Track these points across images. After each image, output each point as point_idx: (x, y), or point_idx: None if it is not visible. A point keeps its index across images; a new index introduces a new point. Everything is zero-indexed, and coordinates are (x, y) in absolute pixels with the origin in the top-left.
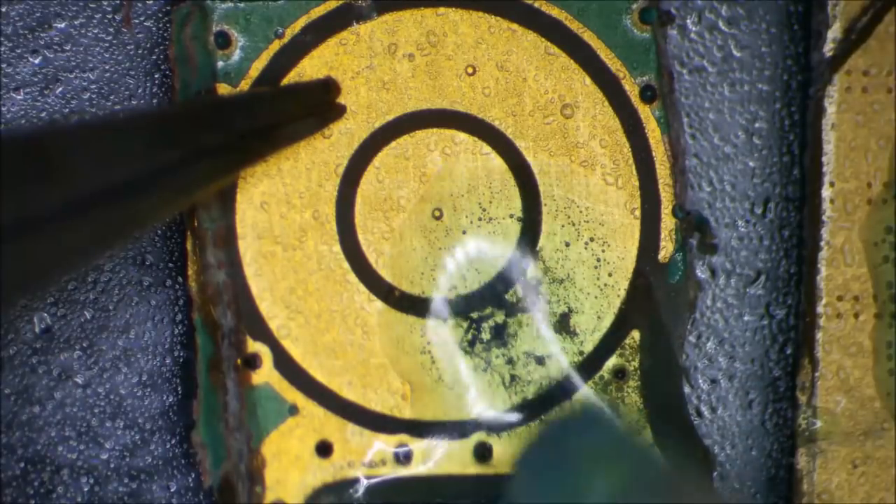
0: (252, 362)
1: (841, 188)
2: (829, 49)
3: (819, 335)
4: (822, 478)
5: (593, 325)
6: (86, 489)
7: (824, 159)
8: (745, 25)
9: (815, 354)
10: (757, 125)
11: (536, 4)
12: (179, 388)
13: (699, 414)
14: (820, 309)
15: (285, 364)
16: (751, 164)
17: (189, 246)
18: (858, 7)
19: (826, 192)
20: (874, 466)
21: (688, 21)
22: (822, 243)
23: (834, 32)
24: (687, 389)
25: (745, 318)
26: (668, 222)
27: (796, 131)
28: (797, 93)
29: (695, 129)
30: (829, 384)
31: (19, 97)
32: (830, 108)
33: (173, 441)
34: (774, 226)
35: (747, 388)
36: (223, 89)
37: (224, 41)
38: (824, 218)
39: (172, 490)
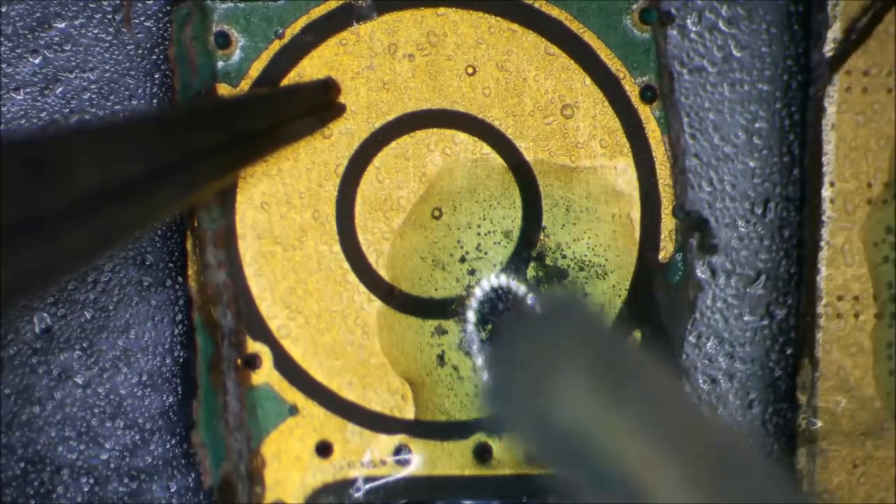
0: (252, 362)
1: (841, 188)
2: (829, 49)
3: (819, 335)
4: (822, 478)
5: None
6: (86, 489)
7: (824, 159)
8: (745, 25)
9: (815, 354)
10: (757, 125)
11: (536, 4)
12: (179, 388)
13: None
14: (820, 309)
15: (285, 364)
16: (751, 164)
17: (189, 246)
18: (858, 7)
19: (826, 192)
20: (874, 466)
21: (688, 21)
22: (822, 243)
23: (834, 32)
24: (687, 389)
25: (746, 318)
26: (668, 222)
27: (796, 131)
28: (797, 93)
29: (695, 129)
30: (829, 384)
31: (19, 97)
32: (830, 108)
33: (173, 441)
34: (774, 226)
35: (747, 388)
36: (223, 89)
37: (224, 41)
38: (824, 218)
39: (172, 490)
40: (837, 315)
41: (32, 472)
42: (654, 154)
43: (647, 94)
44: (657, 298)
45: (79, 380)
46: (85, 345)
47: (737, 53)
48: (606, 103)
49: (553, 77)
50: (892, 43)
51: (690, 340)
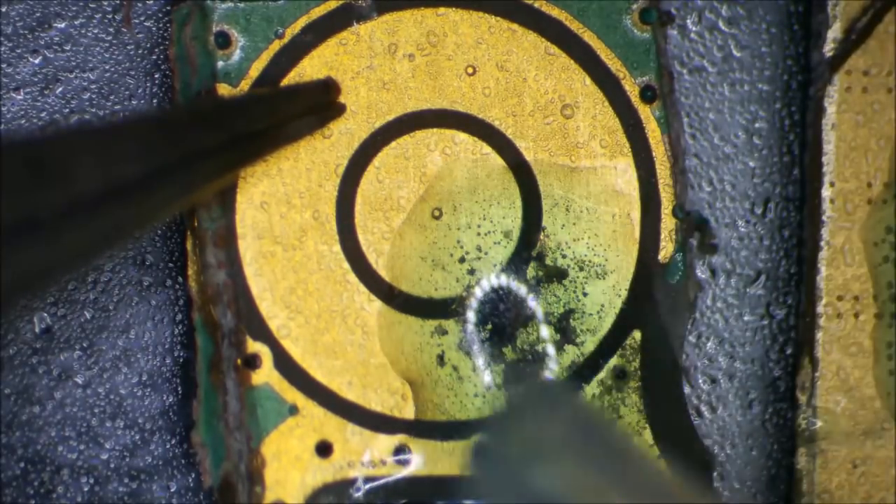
0: (252, 362)
1: (841, 188)
2: (829, 49)
3: (819, 335)
4: (822, 478)
5: (594, 325)
6: (86, 489)
7: (824, 159)
8: (745, 25)
9: (815, 354)
10: (757, 125)
11: (536, 4)
12: (179, 388)
13: (699, 414)
14: (820, 309)
15: (285, 364)
16: (751, 164)
17: (189, 246)
18: (858, 7)
19: (826, 192)
20: (874, 466)
21: (688, 21)
22: (822, 243)
23: (834, 32)
24: (687, 389)
25: (745, 318)
26: (668, 222)
27: (796, 131)
28: (797, 93)
29: (695, 129)
30: (829, 384)
31: (19, 97)
32: (830, 108)
33: (173, 441)
34: (774, 226)
35: (747, 388)
36: (223, 89)
37: (224, 41)
38: (824, 218)
39: (172, 490)
40: (837, 315)
41: (32, 472)
42: (654, 154)
43: (647, 94)
44: (657, 298)
45: (79, 380)
46: (85, 345)
47: (737, 53)
48: (606, 103)
49: (553, 77)
50: (892, 43)
51: (690, 340)
